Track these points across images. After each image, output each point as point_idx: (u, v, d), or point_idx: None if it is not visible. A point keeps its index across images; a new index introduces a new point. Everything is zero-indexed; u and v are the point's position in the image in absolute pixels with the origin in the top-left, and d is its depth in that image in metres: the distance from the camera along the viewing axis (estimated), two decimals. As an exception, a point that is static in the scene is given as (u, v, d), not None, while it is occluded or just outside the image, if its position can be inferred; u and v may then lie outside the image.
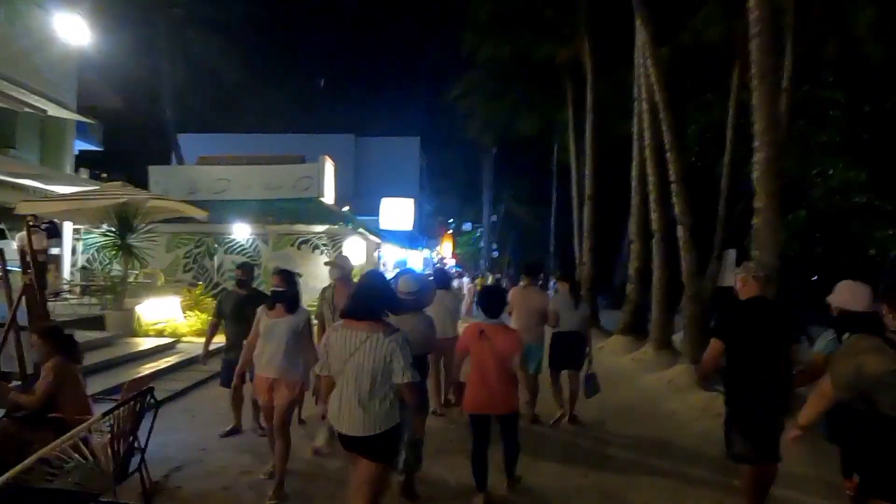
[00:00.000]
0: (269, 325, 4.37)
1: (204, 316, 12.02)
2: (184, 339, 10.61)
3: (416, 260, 28.27)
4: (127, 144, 23.94)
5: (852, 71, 12.92)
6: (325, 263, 6.07)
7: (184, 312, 12.05)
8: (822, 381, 3.12)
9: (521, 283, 6.49)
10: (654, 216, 9.83)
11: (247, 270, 6.00)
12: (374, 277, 3.40)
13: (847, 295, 3.29)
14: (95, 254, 15.82)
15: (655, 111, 9.36)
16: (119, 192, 10.02)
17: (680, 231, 8.48)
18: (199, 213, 12.66)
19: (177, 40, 26.07)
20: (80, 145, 22.42)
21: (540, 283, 7.61)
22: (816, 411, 3.12)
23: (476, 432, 4.17)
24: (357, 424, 2.98)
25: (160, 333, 10.22)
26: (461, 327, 5.15)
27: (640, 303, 11.44)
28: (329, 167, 17.61)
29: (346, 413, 3.00)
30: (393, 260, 22.71)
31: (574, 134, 16.99)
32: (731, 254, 9.52)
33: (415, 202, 29.70)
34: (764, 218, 6.27)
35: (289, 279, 4.51)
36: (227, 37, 29.49)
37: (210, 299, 14.27)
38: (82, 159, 22.94)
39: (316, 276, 16.25)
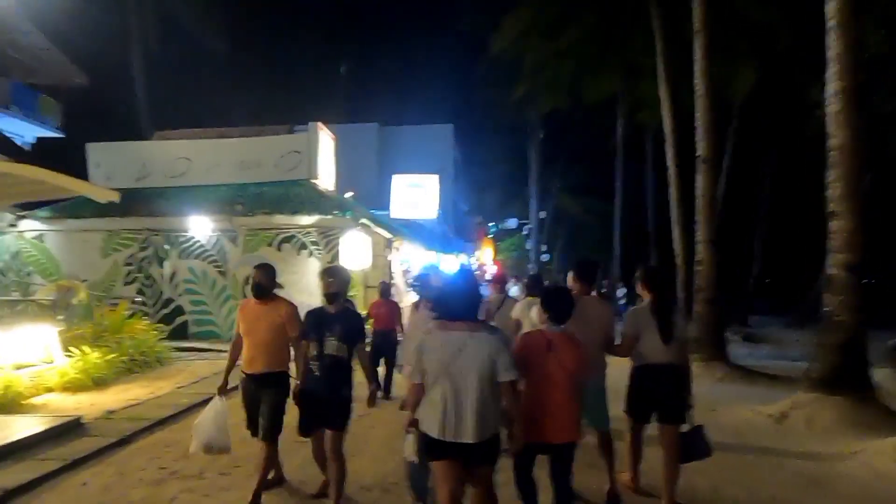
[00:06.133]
0: None
1: (94, 357, 7.41)
2: (33, 400, 6.07)
3: (451, 267, 23.30)
4: (97, 132, 19.78)
5: None
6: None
7: (73, 349, 7.45)
8: None
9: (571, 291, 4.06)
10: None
11: None
12: (469, 276, 3.23)
13: None
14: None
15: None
16: None
17: None
18: (101, 195, 8.10)
19: (161, 10, 22.12)
20: (34, 130, 18.48)
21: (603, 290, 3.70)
22: None
23: (520, 461, 3.24)
24: (470, 430, 2.76)
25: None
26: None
27: (856, 329, 6.16)
28: (325, 139, 12.97)
29: (455, 419, 2.76)
30: (418, 264, 17.83)
31: (666, 76, 11.76)
32: None
33: (441, 181, 22.42)
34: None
35: None
36: (226, 16, 25.35)
37: (143, 324, 9.67)
38: (41, 149, 19.08)
39: (303, 287, 11.57)
